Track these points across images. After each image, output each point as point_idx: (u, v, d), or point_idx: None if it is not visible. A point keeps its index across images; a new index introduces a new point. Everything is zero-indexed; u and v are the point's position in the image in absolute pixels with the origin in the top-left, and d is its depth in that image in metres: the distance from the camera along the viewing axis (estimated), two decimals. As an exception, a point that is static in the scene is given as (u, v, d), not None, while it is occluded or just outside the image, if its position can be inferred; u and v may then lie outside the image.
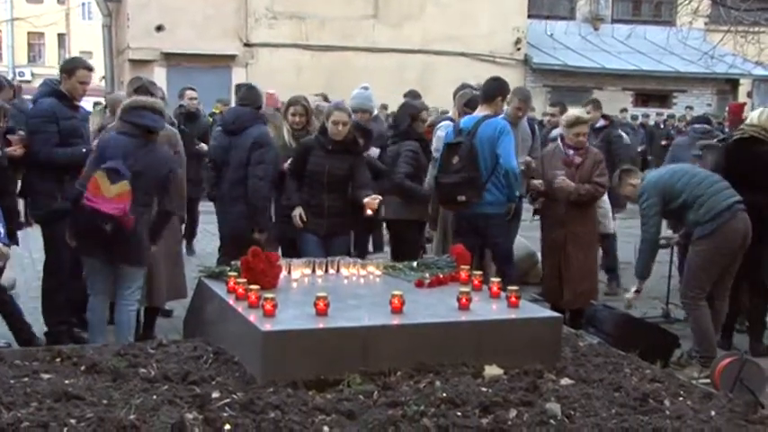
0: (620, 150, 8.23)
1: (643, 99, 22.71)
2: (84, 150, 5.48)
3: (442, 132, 6.79)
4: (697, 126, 8.18)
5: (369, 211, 5.80)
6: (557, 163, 6.64)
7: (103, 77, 21.57)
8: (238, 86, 6.99)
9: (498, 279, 4.80)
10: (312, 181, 5.98)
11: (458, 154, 6.17)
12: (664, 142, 17.13)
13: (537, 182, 6.71)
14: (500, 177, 6.19)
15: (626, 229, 9.22)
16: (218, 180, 6.43)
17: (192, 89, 9.80)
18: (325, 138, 5.99)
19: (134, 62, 18.81)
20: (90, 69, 5.78)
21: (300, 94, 6.81)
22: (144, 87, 5.86)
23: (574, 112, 7.07)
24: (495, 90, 6.37)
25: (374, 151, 6.82)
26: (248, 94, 6.53)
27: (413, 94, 9.27)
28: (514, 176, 6.19)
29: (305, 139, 6.21)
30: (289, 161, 6.26)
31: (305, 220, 5.97)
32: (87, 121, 5.98)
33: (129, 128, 5.03)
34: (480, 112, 6.33)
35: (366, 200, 5.74)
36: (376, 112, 7.00)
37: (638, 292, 5.90)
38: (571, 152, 6.64)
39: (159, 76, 17.58)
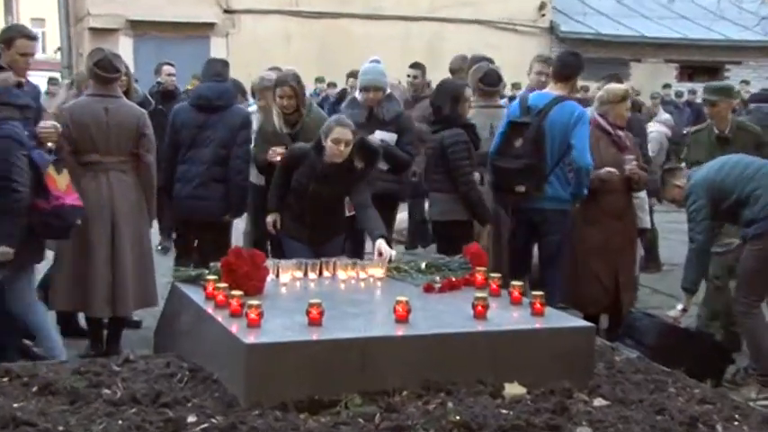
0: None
1: (689, 73, 22.69)
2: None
3: None
4: (756, 105, 8.00)
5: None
6: (607, 147, 6.55)
7: (59, 49, 21.59)
8: (209, 62, 6.97)
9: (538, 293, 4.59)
10: (294, 191, 5.90)
11: (523, 136, 6.19)
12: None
13: (608, 170, 6.46)
14: (565, 171, 6.25)
15: (668, 224, 9.23)
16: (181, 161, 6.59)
17: (171, 64, 10.08)
18: (318, 157, 5.72)
19: (95, 31, 18.83)
20: (32, 38, 5.76)
21: (290, 71, 6.76)
22: (106, 60, 5.84)
23: (617, 85, 7.04)
24: (573, 67, 6.46)
25: (389, 136, 6.64)
26: (225, 71, 6.78)
27: (419, 67, 9.26)
28: (587, 174, 6.24)
29: (300, 147, 5.98)
30: (273, 151, 6.30)
31: (278, 228, 5.97)
32: (38, 100, 5.96)
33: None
34: (550, 90, 6.38)
35: (378, 253, 5.41)
36: (389, 90, 6.85)
37: (684, 310, 5.87)
38: (621, 133, 6.62)
39: (125, 47, 17.61)
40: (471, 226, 6.28)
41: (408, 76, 9.31)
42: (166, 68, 9.88)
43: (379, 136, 6.51)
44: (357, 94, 6.88)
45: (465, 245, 5.54)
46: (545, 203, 6.25)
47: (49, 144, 5.39)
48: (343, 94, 8.52)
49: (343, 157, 5.62)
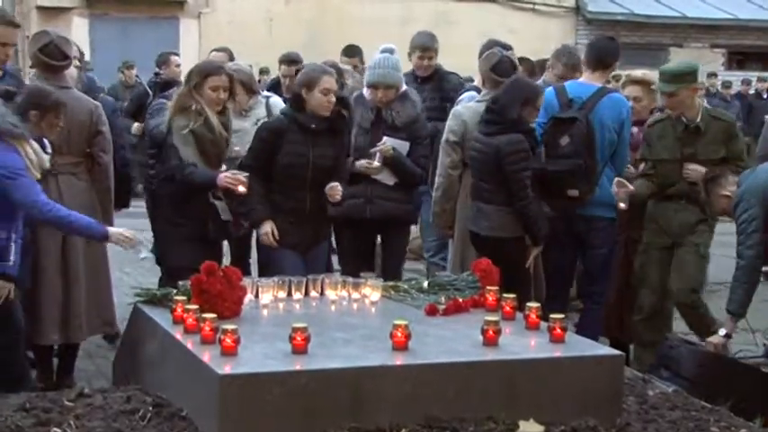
0: None
1: (739, 59, 22.76)
2: None
3: (462, 108, 6.82)
4: None
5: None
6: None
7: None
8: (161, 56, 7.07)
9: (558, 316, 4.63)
10: (287, 178, 5.98)
11: (569, 133, 6.24)
12: (769, 118, 17.19)
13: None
14: (614, 173, 6.35)
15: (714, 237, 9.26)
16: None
17: (177, 54, 10.26)
18: (305, 115, 5.95)
19: (44, 10, 18.87)
20: (13, 26, 5.78)
21: (227, 58, 6.86)
22: (53, 45, 5.85)
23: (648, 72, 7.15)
24: (613, 53, 6.58)
25: (400, 144, 6.53)
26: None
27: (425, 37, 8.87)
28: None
29: (271, 122, 6.20)
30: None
31: (277, 237, 5.96)
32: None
33: None
34: (587, 80, 6.46)
35: (329, 187, 5.88)
36: (403, 87, 6.68)
37: (728, 336, 5.88)
38: (635, 129, 6.76)
39: (79, 29, 17.69)
40: (524, 243, 6.16)
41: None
42: (174, 59, 10.00)
43: (388, 143, 6.43)
44: (365, 91, 6.72)
45: (516, 264, 5.73)
46: (594, 210, 6.30)
47: None
48: (277, 83, 8.35)
49: (331, 109, 5.92)
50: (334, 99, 5.92)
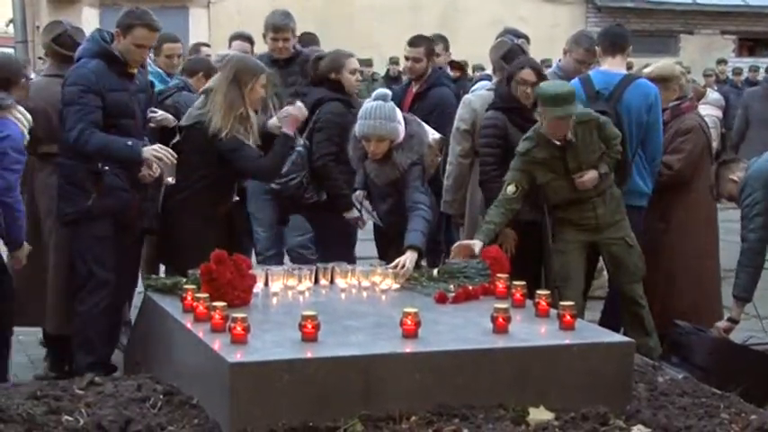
0: None
1: (750, 46, 22.68)
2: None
3: (473, 96, 6.81)
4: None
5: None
6: None
7: (11, 21, 21.64)
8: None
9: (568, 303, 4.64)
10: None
11: None
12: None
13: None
14: (644, 160, 6.34)
15: (723, 224, 9.22)
16: None
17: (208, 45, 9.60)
18: (346, 95, 6.41)
19: (54, 1, 18.91)
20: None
21: (249, 47, 6.87)
22: (66, 35, 5.88)
23: (670, 62, 7.13)
24: (625, 36, 6.60)
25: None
26: None
27: (420, 44, 7.77)
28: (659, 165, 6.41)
29: (336, 108, 6.36)
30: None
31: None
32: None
33: None
34: (610, 67, 6.45)
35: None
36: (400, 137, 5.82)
37: (733, 321, 5.89)
38: None
39: (89, 20, 17.67)
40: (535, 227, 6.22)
41: (407, 58, 7.48)
42: (205, 49, 9.77)
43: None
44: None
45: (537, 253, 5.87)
46: (624, 198, 6.24)
47: None
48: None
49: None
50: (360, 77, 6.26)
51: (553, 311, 4.66)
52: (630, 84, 6.35)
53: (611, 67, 6.46)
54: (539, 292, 4.84)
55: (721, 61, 19.01)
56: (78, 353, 5.44)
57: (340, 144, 6.16)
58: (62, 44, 5.85)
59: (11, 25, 22.01)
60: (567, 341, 4.38)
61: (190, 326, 4.36)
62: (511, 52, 6.75)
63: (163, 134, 6.02)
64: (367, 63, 15.11)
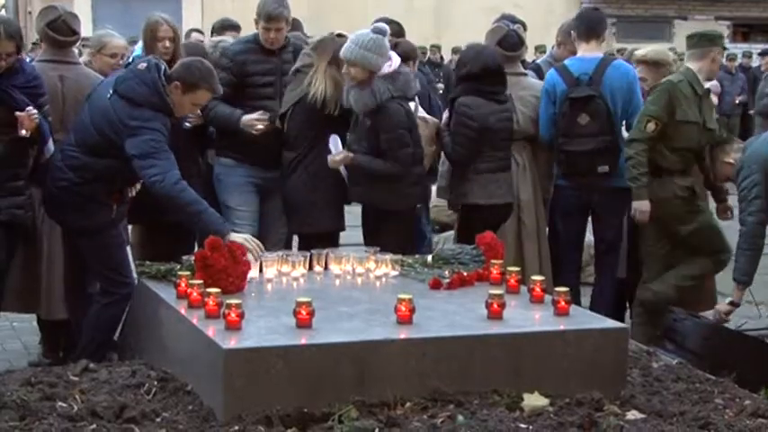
0: None
1: (744, 32, 22.67)
2: None
3: None
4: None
5: None
6: None
7: (3, 7, 21.59)
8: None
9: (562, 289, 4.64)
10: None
11: (585, 111, 6.30)
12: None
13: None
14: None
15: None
16: None
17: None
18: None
19: (47, -13, 18.82)
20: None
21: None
22: (61, 21, 5.85)
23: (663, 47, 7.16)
24: (601, 21, 6.70)
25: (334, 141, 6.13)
26: None
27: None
28: None
29: None
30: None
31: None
32: None
33: None
34: (585, 53, 6.49)
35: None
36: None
37: (734, 304, 5.91)
38: None
39: (81, 7, 17.59)
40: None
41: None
42: (197, 35, 9.81)
43: (330, 144, 6.02)
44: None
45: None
46: (611, 180, 6.33)
47: None
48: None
49: None
50: None
51: (548, 297, 4.65)
52: (608, 66, 6.40)
53: (586, 52, 6.48)
54: (533, 277, 4.84)
55: (716, 47, 18.93)
56: (98, 351, 5.22)
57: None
58: (57, 29, 5.82)
59: (2, 11, 21.97)
60: (561, 327, 4.38)
61: (184, 312, 4.36)
62: (507, 38, 6.72)
63: (194, 133, 6.08)
64: None
